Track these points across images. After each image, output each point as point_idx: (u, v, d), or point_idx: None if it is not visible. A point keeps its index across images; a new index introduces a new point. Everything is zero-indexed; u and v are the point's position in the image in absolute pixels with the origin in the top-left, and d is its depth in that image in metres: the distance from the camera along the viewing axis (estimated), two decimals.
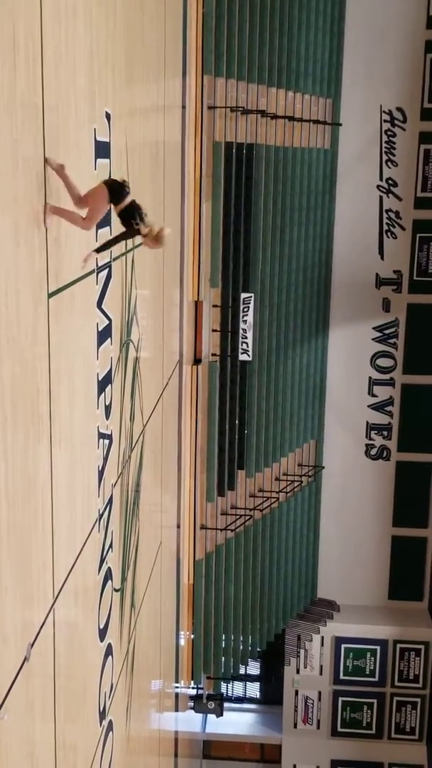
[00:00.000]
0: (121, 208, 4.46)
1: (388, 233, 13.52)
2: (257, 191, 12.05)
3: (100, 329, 5.51)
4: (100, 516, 5.69)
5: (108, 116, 5.54)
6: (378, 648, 14.21)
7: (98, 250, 4.67)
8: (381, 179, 13.41)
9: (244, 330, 12.14)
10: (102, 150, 5.36)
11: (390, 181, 13.41)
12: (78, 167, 4.73)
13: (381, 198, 13.46)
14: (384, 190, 13.45)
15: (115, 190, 4.45)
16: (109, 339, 5.84)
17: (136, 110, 6.77)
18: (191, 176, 10.79)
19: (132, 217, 4.49)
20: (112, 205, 4.46)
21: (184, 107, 10.21)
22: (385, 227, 13.51)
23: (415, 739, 14.33)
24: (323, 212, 13.35)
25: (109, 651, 6.13)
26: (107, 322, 5.76)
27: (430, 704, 14.25)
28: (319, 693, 14.41)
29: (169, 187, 8.86)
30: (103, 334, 5.63)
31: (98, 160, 5.25)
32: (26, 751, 4.06)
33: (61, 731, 4.68)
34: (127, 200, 4.48)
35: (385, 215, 13.49)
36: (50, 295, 4.19)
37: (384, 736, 14.36)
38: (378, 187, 13.43)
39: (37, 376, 4.04)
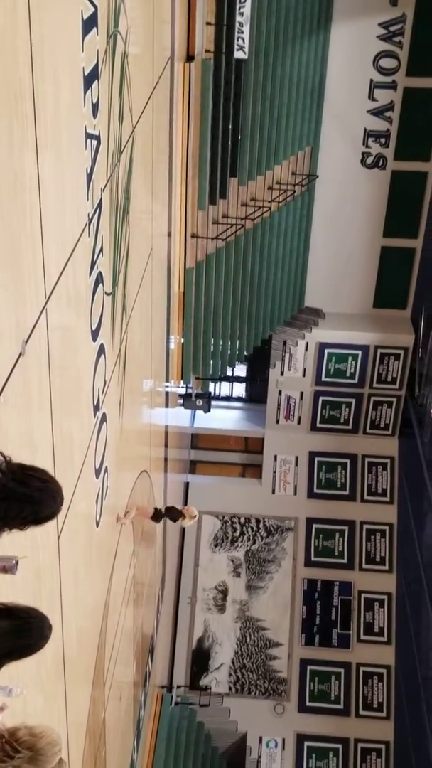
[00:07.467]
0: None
1: None
2: None
3: (84, 18, 5.12)
4: (90, 220, 5.66)
5: None
6: (359, 353, 14.82)
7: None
8: None
9: (241, 24, 11.27)
10: None
11: None
12: None
13: None
14: None
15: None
16: (95, 29, 5.44)
17: None
18: None
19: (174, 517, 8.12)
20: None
21: None
22: None
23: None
24: None
25: (101, 350, 6.40)
26: (93, 9, 5.33)
27: (405, 404, 15.11)
28: (301, 393, 15.27)
29: None
30: (89, 24, 5.24)
31: None
32: (26, 440, 4.38)
33: (58, 421, 5.01)
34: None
35: None
36: None
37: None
38: None
39: (18, 69, 3.82)
